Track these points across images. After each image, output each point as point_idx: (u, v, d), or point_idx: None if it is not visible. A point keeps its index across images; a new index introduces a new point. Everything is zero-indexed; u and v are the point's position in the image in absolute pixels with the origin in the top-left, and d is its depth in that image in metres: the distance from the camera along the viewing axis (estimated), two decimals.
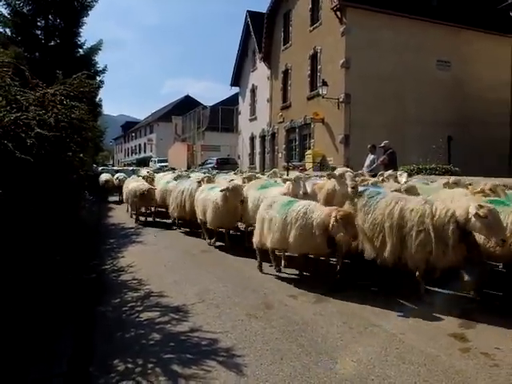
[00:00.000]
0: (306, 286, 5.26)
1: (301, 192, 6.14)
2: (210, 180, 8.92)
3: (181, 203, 8.94)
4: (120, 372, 3.22)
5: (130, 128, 74.91)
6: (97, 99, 18.03)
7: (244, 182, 8.45)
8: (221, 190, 7.10)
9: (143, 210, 11.66)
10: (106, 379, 3.13)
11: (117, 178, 15.86)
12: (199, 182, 8.80)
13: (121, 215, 12.70)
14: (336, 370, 3.18)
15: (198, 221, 8.22)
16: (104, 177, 16.80)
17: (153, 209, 11.56)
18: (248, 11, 28.97)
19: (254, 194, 7.05)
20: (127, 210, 12.64)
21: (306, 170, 17.75)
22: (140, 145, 67.00)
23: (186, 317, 4.25)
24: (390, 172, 8.22)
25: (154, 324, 4.11)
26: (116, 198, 16.23)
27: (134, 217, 11.37)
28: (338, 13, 18.66)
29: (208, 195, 7.63)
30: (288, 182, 6.49)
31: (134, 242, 8.43)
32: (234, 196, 6.91)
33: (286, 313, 4.35)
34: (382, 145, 12.32)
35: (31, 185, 3.99)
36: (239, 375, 3.12)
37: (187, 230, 9.47)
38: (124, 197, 12.35)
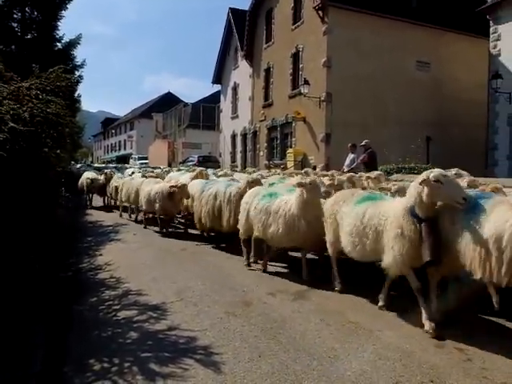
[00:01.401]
0: (285, 283, 5.29)
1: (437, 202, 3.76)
2: (253, 183, 6.55)
3: (213, 210, 7.04)
4: (96, 371, 3.17)
5: (109, 125, 73.73)
6: (75, 94, 17.72)
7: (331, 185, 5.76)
8: (297, 184, 5.09)
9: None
10: (81, 379, 3.08)
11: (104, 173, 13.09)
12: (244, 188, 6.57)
13: (99, 213, 12.50)
14: (313, 366, 3.20)
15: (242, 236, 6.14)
16: (89, 175, 13.44)
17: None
18: (230, 8, 28.89)
19: (352, 213, 4.43)
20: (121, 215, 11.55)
21: (287, 168, 17.84)
22: (120, 142, 66.07)
23: (164, 315, 4.21)
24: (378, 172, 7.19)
25: (131, 322, 4.06)
26: (100, 202, 13.89)
27: (158, 228, 9.08)
28: (320, 12, 18.76)
29: (272, 205, 5.42)
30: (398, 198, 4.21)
31: (113, 240, 8.30)
32: (313, 194, 4.96)
33: (264, 310, 4.36)
34: (363, 143, 12.45)
35: (4, 181, 3.89)
36: (217, 373, 3.11)
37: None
38: (126, 198, 10.49)
